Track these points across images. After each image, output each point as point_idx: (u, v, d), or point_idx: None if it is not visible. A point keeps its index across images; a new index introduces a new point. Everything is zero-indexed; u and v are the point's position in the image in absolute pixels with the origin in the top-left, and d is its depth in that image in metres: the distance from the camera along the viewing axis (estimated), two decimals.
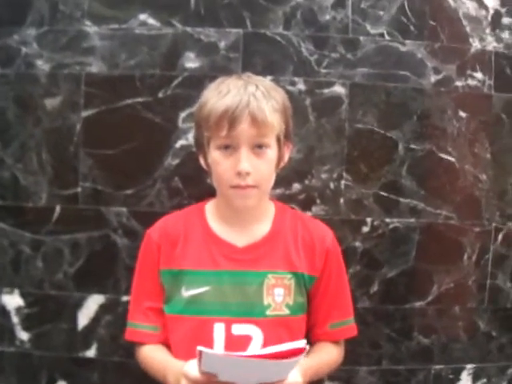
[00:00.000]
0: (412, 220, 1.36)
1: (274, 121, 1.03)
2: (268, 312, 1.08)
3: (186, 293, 1.08)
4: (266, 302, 1.08)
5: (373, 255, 1.35)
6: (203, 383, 0.95)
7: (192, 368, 0.96)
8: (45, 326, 1.34)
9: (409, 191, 1.36)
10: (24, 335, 1.35)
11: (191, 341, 1.05)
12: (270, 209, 1.14)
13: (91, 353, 1.34)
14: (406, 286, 1.37)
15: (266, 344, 1.06)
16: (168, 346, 1.11)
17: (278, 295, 1.08)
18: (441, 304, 1.38)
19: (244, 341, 1.06)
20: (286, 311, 1.09)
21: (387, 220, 1.36)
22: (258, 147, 1.03)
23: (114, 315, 1.32)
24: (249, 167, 1.02)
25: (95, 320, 1.33)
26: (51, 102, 1.32)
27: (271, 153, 1.05)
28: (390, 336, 1.37)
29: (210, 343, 1.05)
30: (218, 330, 1.06)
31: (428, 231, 1.37)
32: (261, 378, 0.96)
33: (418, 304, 1.38)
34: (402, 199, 1.36)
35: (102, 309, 1.33)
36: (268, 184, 1.09)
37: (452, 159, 1.38)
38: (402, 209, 1.36)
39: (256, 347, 1.06)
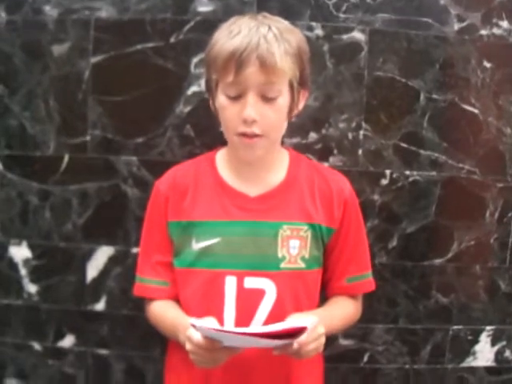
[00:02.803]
0: (433, 173, 1.27)
1: (286, 66, 0.92)
2: (282, 265, 0.99)
3: (197, 245, 1.00)
4: (280, 255, 0.99)
5: (391, 209, 1.26)
6: (207, 348, 0.87)
7: (195, 332, 0.87)
8: (53, 278, 1.28)
9: (430, 143, 1.26)
10: (32, 288, 1.28)
11: (202, 295, 0.98)
12: (283, 157, 1.05)
13: (100, 306, 1.27)
14: (425, 241, 1.28)
15: (279, 298, 0.97)
16: (178, 301, 1.03)
17: (294, 247, 0.99)
18: (461, 262, 1.29)
19: (257, 295, 0.98)
20: (302, 264, 1.00)
21: (407, 173, 1.26)
22: (267, 93, 0.93)
23: (124, 267, 1.25)
24: (255, 114, 0.93)
25: (104, 272, 1.26)
26: (59, 49, 1.24)
27: (282, 100, 0.95)
28: (408, 294, 1.29)
29: (221, 297, 0.97)
30: (230, 283, 0.98)
31: (449, 185, 1.27)
32: (266, 345, 0.88)
33: (437, 261, 1.29)
34: (422, 151, 1.26)
35: (112, 261, 1.26)
36: (277, 133, 0.99)
37: (475, 111, 1.27)
38: (422, 161, 1.26)
39: (269, 302, 0.98)
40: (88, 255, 1.26)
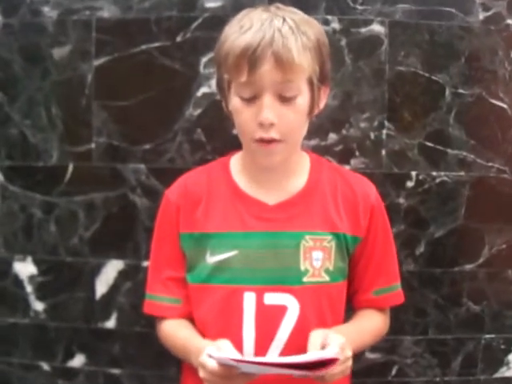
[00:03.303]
0: (461, 173, 1.17)
1: (304, 61, 0.84)
2: (305, 279, 0.90)
3: (211, 259, 0.91)
4: (302, 268, 0.90)
5: (418, 213, 1.17)
6: (223, 375, 0.78)
7: (209, 359, 0.79)
8: (60, 295, 1.20)
9: (457, 141, 1.17)
10: (39, 305, 1.20)
11: (219, 313, 0.90)
12: (304, 161, 0.96)
13: (111, 323, 1.19)
14: (454, 246, 1.18)
15: (302, 315, 0.89)
16: (192, 320, 0.94)
17: (317, 259, 0.90)
18: (493, 267, 1.20)
19: (278, 311, 0.89)
20: (326, 278, 0.91)
21: (434, 173, 1.16)
22: (285, 93, 0.84)
23: (135, 282, 1.17)
24: (273, 117, 0.84)
25: (114, 288, 1.18)
26: (60, 52, 1.17)
27: (301, 99, 0.86)
28: (437, 302, 1.19)
29: (239, 315, 0.89)
30: (249, 299, 0.89)
31: (479, 186, 1.18)
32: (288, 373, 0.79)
33: (467, 267, 1.19)
34: (449, 150, 1.17)
35: (122, 275, 1.18)
36: (297, 136, 0.90)
37: (504, 105, 1.18)
38: (449, 161, 1.17)
39: (291, 319, 0.89)
40: (97, 270, 1.18)
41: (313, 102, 0.88)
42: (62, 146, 1.18)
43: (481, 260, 1.20)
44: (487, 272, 1.20)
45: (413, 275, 1.18)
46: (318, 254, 0.91)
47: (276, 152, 0.87)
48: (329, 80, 0.92)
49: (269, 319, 0.88)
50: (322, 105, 0.92)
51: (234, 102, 0.87)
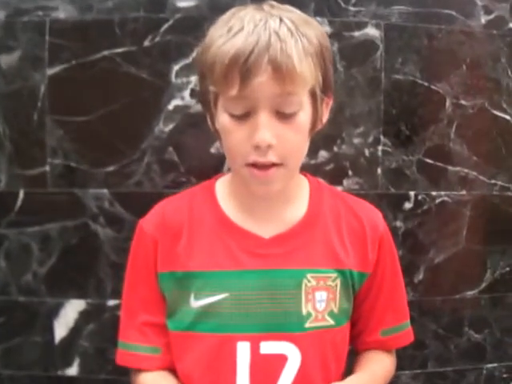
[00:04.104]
0: (463, 192, 1.05)
1: (306, 70, 0.69)
2: (307, 324, 0.75)
3: (196, 303, 0.76)
4: (304, 311, 0.75)
5: (417, 237, 1.05)
6: None
7: None
8: (14, 339, 1.03)
9: (458, 157, 1.05)
10: None
11: (207, 365, 0.74)
12: (303, 186, 0.81)
13: (73, 370, 1.03)
14: (455, 272, 1.07)
15: (304, 365, 0.75)
16: (174, 371, 0.79)
17: (320, 301, 0.76)
18: (495, 292, 1.09)
19: (276, 363, 0.74)
20: (330, 321, 0.76)
21: (433, 193, 1.04)
22: (284, 108, 0.70)
23: (99, 324, 1.02)
24: (271, 137, 0.69)
25: (75, 330, 1.02)
26: (8, 59, 1.01)
27: (303, 115, 0.71)
28: (437, 333, 1.07)
29: (231, 368, 0.74)
30: (242, 350, 0.74)
31: (481, 205, 1.06)
32: None
33: (469, 293, 1.07)
34: (450, 167, 1.05)
35: (84, 316, 1.02)
36: (298, 159, 0.75)
37: (507, 117, 1.07)
38: (450, 179, 1.05)
39: (292, 369, 0.75)
40: (54, 311, 1.02)
41: (315, 117, 0.73)
42: (12, 169, 1.02)
43: (483, 285, 1.09)
44: (489, 297, 1.09)
45: (411, 305, 1.00)
46: (321, 295, 0.76)
47: (274, 179, 0.72)
48: (332, 90, 0.76)
49: (266, 372, 0.74)
50: (325, 119, 0.76)
51: (223, 120, 0.71)
